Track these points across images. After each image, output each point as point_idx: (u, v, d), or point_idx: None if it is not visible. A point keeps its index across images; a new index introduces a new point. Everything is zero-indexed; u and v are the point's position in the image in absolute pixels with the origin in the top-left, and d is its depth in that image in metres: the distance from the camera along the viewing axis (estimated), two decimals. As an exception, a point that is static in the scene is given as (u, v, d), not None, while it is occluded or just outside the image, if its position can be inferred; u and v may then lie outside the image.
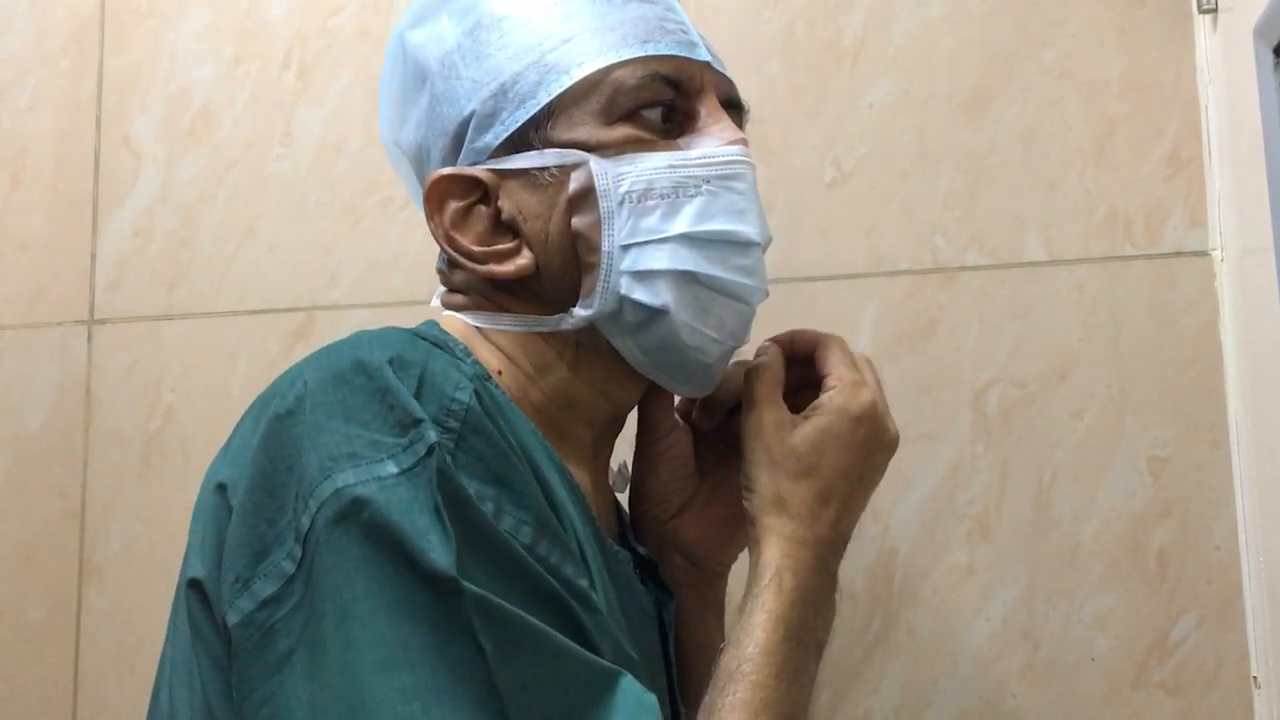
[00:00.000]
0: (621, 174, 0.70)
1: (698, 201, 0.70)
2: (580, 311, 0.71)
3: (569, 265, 0.71)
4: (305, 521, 0.57)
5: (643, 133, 0.71)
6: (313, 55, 1.27)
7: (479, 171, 0.72)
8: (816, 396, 0.74)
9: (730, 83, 0.77)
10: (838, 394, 0.73)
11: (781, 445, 0.72)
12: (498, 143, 0.72)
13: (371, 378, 0.60)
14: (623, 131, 0.71)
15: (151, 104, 1.30)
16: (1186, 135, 1.10)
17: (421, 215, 0.74)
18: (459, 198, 0.73)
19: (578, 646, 0.59)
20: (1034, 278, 1.10)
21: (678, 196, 0.70)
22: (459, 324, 0.75)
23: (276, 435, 0.61)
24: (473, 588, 0.55)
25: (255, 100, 1.28)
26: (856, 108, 1.15)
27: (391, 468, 0.58)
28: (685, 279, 0.70)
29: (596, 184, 0.70)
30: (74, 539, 1.24)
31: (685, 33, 0.74)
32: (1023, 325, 1.10)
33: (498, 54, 0.72)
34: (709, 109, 0.73)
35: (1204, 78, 1.10)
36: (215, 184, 1.27)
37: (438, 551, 0.56)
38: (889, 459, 0.75)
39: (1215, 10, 1.08)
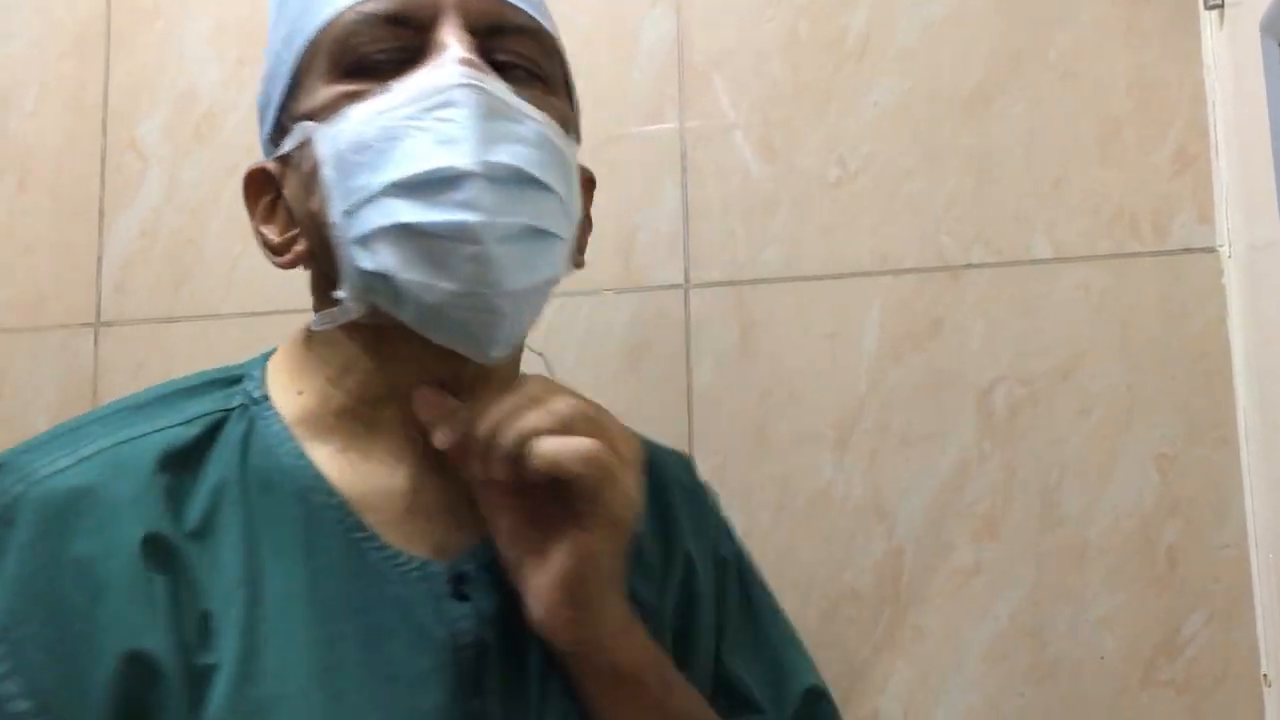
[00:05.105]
0: (336, 135, 0.63)
1: (405, 144, 0.62)
2: (340, 295, 0.65)
3: (324, 248, 0.65)
4: None
5: (360, 85, 0.64)
6: (317, 57, 1.27)
7: (269, 163, 0.69)
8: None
9: (494, 2, 0.67)
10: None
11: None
12: (270, 130, 0.69)
13: None
14: (339, 89, 0.64)
15: (157, 106, 1.30)
16: (1193, 131, 1.09)
17: None
18: (262, 194, 0.70)
19: None
20: (1040, 276, 1.10)
21: (387, 144, 0.62)
22: (298, 334, 0.73)
23: None
24: None
25: (260, 102, 1.28)
26: (860, 107, 1.15)
27: None
28: (402, 233, 0.61)
29: (318, 153, 0.64)
30: (81, 541, 1.24)
31: None
32: (1029, 323, 1.10)
33: (273, 35, 0.69)
34: (444, 38, 0.64)
35: (1210, 74, 1.09)
36: (221, 185, 1.27)
37: None
38: None
39: (1221, 6, 1.07)
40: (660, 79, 1.20)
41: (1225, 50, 1.07)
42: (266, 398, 0.70)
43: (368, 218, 0.62)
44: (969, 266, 1.11)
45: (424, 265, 0.62)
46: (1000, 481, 1.08)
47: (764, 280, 1.15)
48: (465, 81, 0.62)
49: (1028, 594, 1.07)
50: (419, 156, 0.61)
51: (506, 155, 0.62)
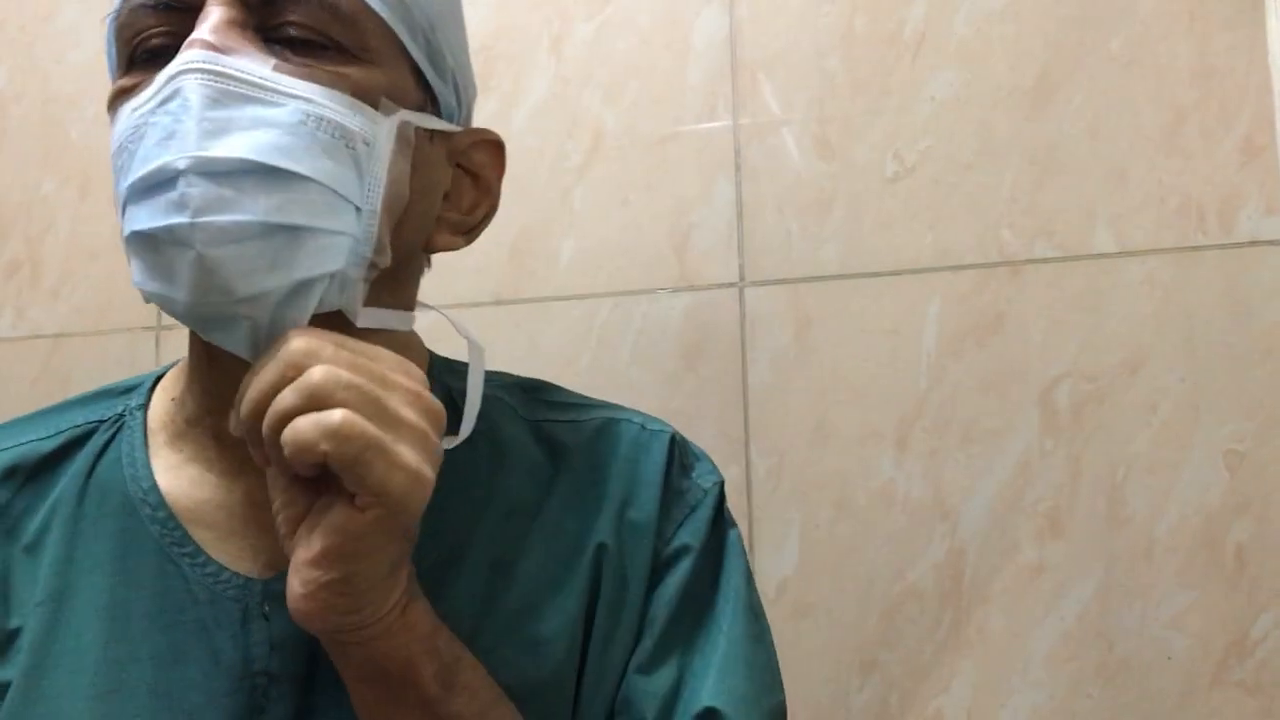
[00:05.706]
0: (113, 134, 0.59)
1: (142, 144, 0.56)
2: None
3: None
4: None
5: (136, 78, 0.59)
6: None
7: None
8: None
9: None
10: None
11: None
12: None
13: None
14: (118, 84, 0.60)
15: (215, 112, 1.32)
16: (1260, 122, 1.07)
17: None
18: None
19: None
20: (1104, 270, 1.08)
21: (135, 145, 0.57)
22: None
23: None
24: None
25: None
26: (918, 100, 1.14)
27: None
28: (133, 242, 0.57)
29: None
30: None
31: None
32: (1093, 318, 1.08)
33: None
34: (201, 18, 0.58)
35: (1276, 63, 1.07)
36: (278, 190, 1.28)
37: None
38: None
39: (1288, -7, 1.05)
40: (714, 77, 1.19)
41: (1293, 38, 1.05)
42: (144, 406, 0.69)
43: (124, 224, 0.58)
44: (1031, 261, 1.10)
45: (156, 276, 0.57)
46: (1064, 479, 1.07)
47: (820, 278, 1.14)
48: (185, 67, 0.56)
49: (1094, 593, 1.05)
50: (143, 157, 0.56)
51: (233, 146, 0.56)
